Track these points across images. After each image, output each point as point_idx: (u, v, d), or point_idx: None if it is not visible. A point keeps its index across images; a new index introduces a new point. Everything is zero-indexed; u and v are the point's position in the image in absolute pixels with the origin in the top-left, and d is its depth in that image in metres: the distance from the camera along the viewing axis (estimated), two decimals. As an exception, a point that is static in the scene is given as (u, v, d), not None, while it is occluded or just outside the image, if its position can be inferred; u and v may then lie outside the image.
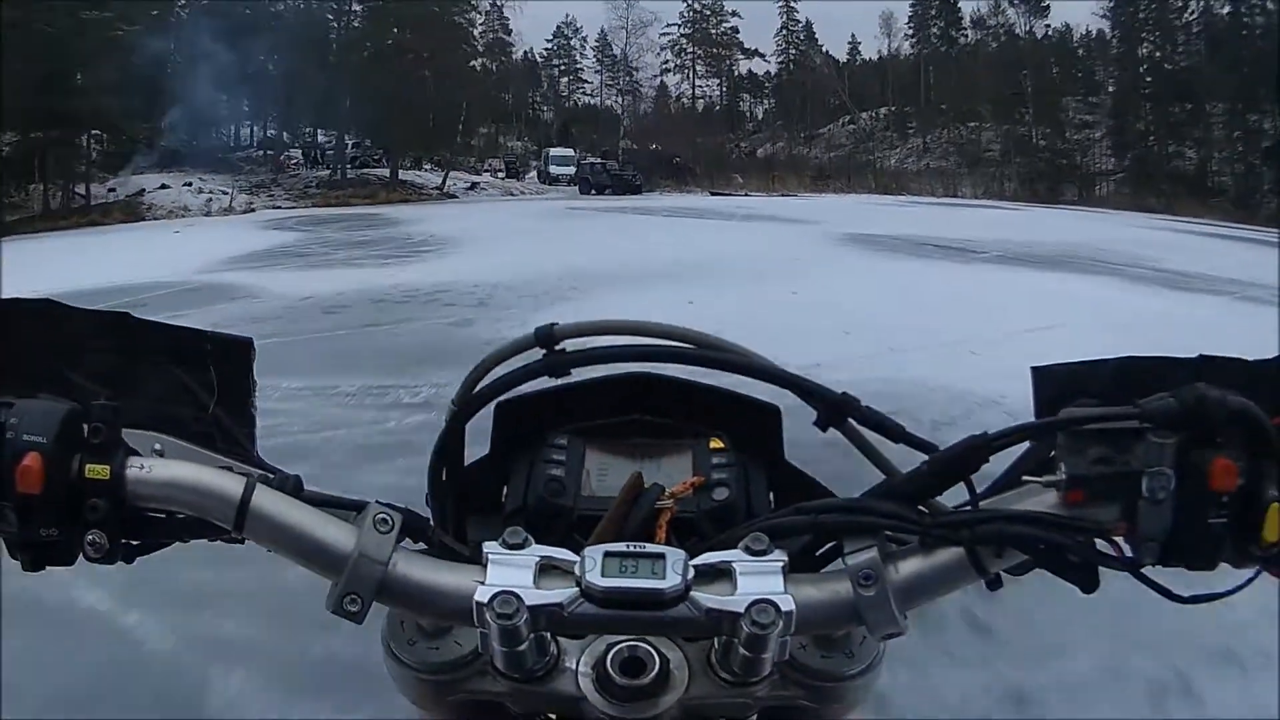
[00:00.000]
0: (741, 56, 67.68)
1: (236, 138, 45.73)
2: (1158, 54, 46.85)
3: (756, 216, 23.08)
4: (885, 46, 59.87)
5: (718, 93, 68.01)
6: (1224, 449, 0.44)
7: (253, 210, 30.38)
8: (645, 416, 0.66)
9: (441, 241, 16.37)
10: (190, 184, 32.32)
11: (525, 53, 63.26)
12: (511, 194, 41.38)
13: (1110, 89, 50.03)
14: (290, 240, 17.49)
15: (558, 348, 0.57)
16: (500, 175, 52.14)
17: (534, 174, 50.97)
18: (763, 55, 67.94)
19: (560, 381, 0.59)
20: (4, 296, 0.51)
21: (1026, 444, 0.51)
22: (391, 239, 17.15)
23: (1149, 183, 42.48)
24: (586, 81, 64.79)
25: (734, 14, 64.39)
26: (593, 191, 42.41)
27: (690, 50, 66.79)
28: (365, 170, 40.22)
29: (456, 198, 38.72)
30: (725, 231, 18.89)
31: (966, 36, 55.47)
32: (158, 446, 0.50)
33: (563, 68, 64.89)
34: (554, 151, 52.29)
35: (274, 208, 31.77)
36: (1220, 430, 0.44)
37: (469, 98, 39.82)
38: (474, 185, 42.06)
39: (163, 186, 31.96)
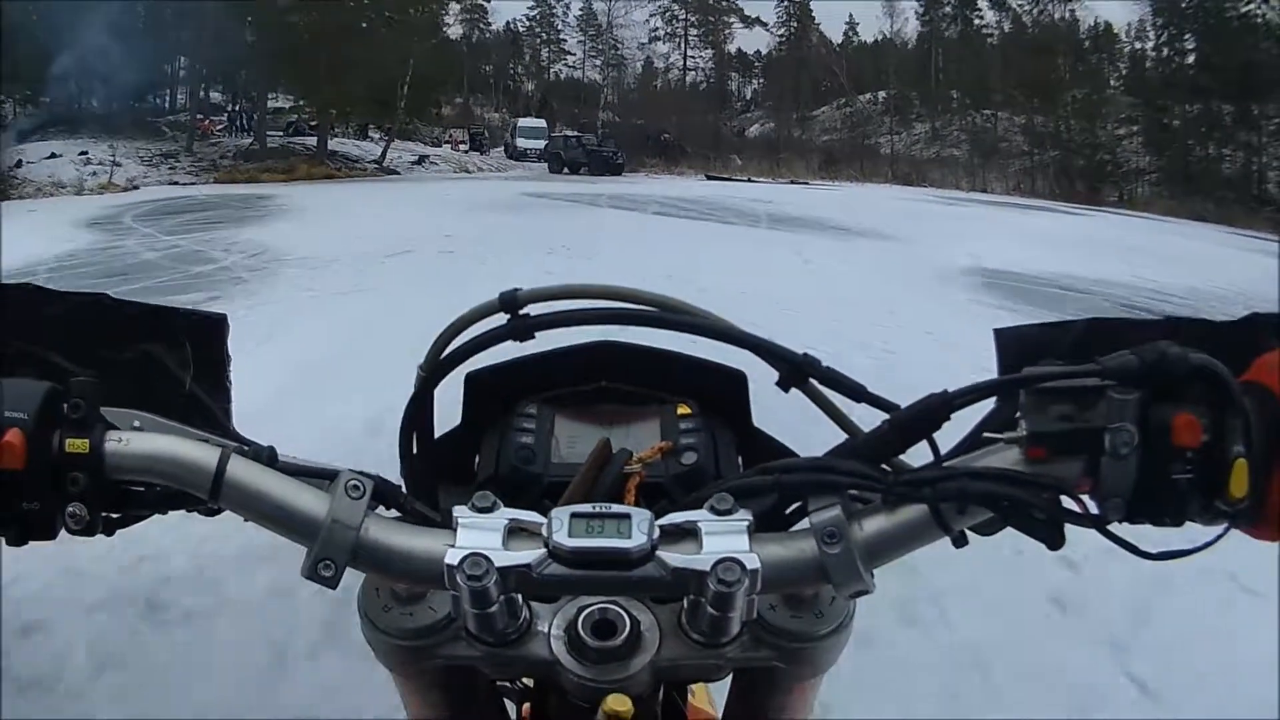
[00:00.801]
0: (740, 25, 60.89)
1: (172, 100, 39.28)
2: (1205, 47, 42.48)
3: (790, 220, 16.44)
4: (888, 27, 56.14)
5: (708, 67, 61.46)
6: (1187, 405, 0.44)
7: (135, 189, 23.82)
8: (614, 384, 0.67)
9: (292, 259, 9.63)
10: (86, 153, 26.20)
11: (508, 23, 59.53)
12: (467, 171, 34.61)
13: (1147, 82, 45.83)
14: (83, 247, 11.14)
15: (522, 312, 0.58)
16: (463, 147, 45.28)
17: (504, 148, 44.20)
18: (764, 24, 61.30)
19: (529, 351, 0.60)
20: None
21: (992, 405, 0.52)
22: (202, 255, 10.18)
23: (1188, 185, 39.03)
24: (569, 53, 60.49)
25: (734, -24, 57.95)
26: (565, 170, 35.71)
27: (683, 17, 59.86)
28: (299, 139, 33.26)
29: (397, 174, 31.88)
30: (764, 251, 11.56)
31: (981, 16, 51.71)
32: (136, 423, 0.50)
33: (543, 37, 60.35)
34: (522, 122, 45.29)
35: (170, 183, 25.53)
36: (1183, 386, 0.44)
37: (417, 54, 32.51)
38: (422, 159, 35.09)
39: (52, 155, 25.59)
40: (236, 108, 38.56)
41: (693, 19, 59.96)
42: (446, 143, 46.95)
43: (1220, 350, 0.45)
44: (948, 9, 52.80)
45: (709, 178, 37.23)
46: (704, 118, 51.91)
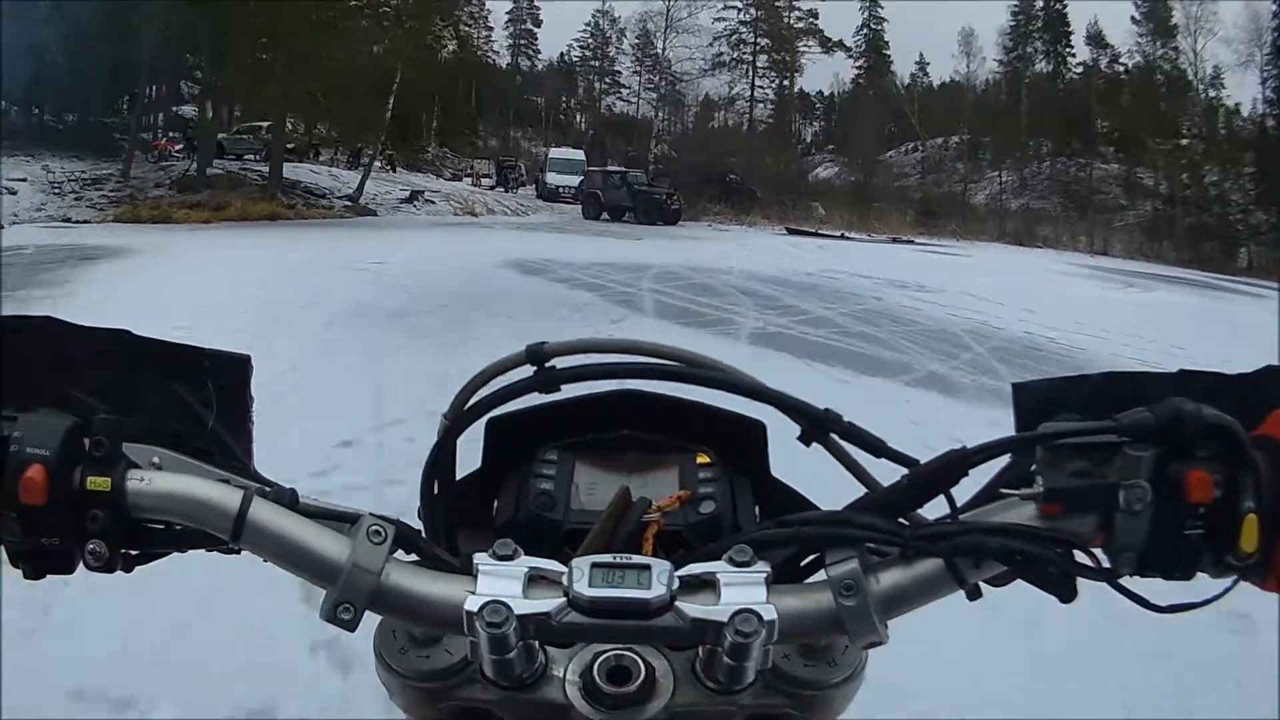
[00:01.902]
0: (817, 50, 52.41)
1: (151, 115, 31.89)
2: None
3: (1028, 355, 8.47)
4: (963, 66, 50.78)
5: (772, 99, 53.07)
6: (1201, 461, 0.45)
7: (-2, 226, 16.66)
8: (633, 432, 0.67)
9: None
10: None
11: (562, 54, 54.87)
12: (472, 214, 26.18)
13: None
14: None
15: (548, 365, 0.58)
16: (486, 182, 37.27)
17: (535, 185, 36.23)
18: (846, 49, 52.86)
19: (550, 398, 0.61)
20: (6, 314, 0.53)
21: (1007, 458, 0.53)
22: None
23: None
24: (623, 86, 54.41)
25: (814, -8, 49.97)
26: (603, 216, 27.15)
27: (753, 40, 51.59)
28: (256, 166, 25.43)
29: (373, 215, 23.63)
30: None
31: (1074, 54, 47.18)
32: (156, 460, 0.51)
33: (596, 67, 54.75)
34: (554, 153, 36.98)
35: (63, 219, 19.09)
36: (1197, 443, 0.45)
37: (405, 57, 24.25)
38: (415, 196, 26.77)
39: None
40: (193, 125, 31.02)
41: (763, 43, 51.75)
42: (468, 175, 39.16)
43: (1234, 403, 0.46)
44: (1038, 43, 47.63)
45: (791, 231, 28.37)
46: (775, 157, 43.19)
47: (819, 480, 0.64)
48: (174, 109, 31.20)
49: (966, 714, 2.28)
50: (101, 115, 27.84)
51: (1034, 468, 0.48)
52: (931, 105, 51.71)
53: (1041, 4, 47.65)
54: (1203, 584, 0.46)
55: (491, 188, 37.29)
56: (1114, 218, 40.49)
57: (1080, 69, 47.60)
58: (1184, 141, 41.17)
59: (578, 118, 55.85)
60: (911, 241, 28.96)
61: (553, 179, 34.41)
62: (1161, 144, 40.89)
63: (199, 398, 0.55)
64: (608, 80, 54.52)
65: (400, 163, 38.05)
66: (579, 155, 36.59)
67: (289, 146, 31.65)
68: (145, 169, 23.99)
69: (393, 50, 25.02)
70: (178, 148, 26.90)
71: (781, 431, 0.61)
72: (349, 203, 24.18)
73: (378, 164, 36.28)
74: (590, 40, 54.49)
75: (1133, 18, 44.77)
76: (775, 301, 10.46)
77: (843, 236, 28.19)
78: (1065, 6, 47.28)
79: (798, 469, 0.68)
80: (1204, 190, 39.36)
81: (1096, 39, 46.44)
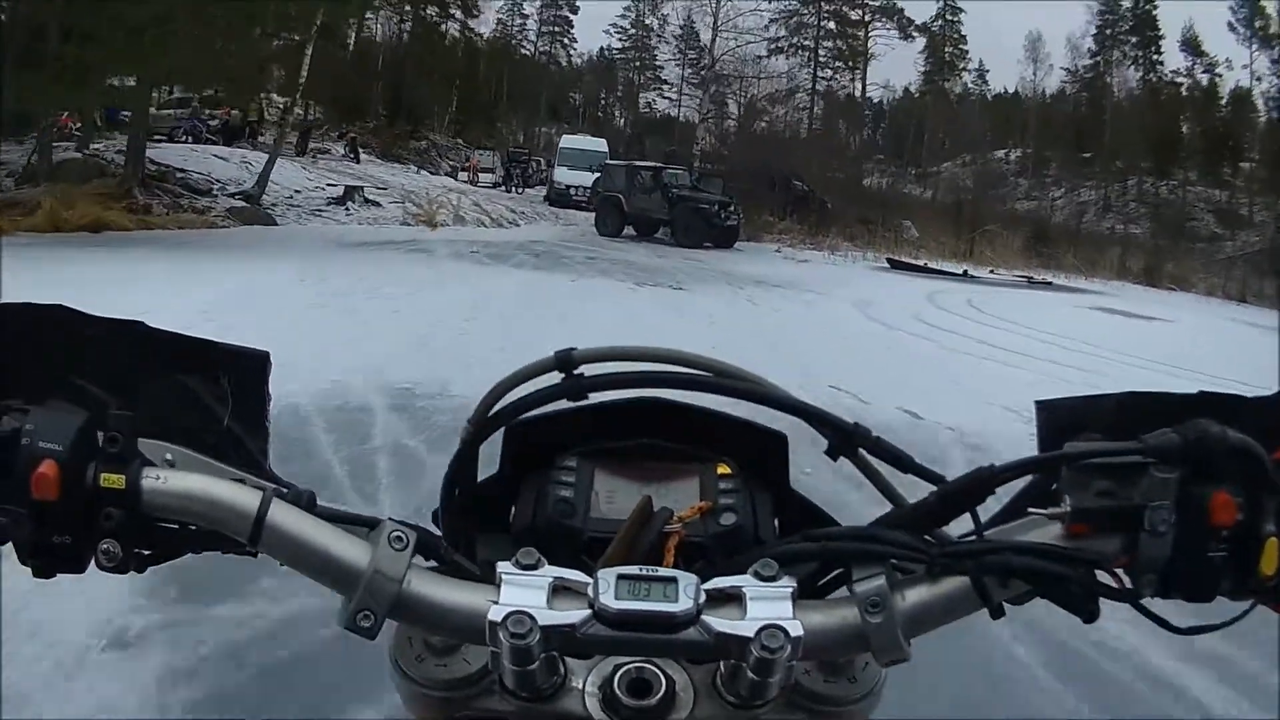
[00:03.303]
0: (895, 34, 43.80)
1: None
2: None
3: None
4: (1029, 73, 44.81)
5: (842, 90, 44.62)
6: (1224, 484, 0.45)
7: None
8: (654, 440, 0.66)
9: None
10: None
11: (602, 48, 49.18)
12: (431, 225, 17.91)
13: None
14: None
15: (575, 372, 0.58)
16: (487, 179, 29.71)
17: (547, 187, 28.47)
18: (930, 31, 44.38)
19: (572, 404, 0.60)
20: (12, 301, 0.52)
21: (1029, 476, 0.53)
22: None
23: None
24: (665, 82, 47.75)
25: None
26: (626, 231, 18.86)
27: (815, 21, 43.03)
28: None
29: (272, 224, 15.67)
30: None
31: (1162, 62, 41.22)
32: (169, 457, 0.49)
33: (635, 58, 48.14)
34: (567, 141, 28.68)
35: None
36: (1221, 465, 0.45)
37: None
38: (351, 193, 18.49)
39: None
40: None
41: (829, 25, 43.18)
42: (464, 169, 31.19)
43: (1254, 426, 0.46)
44: (1126, 47, 41.75)
45: (894, 264, 19.75)
46: (846, 161, 34.45)
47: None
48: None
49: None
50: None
51: (1055, 486, 0.49)
52: (990, 114, 45.81)
53: (1129, 3, 41.04)
54: (1219, 606, 0.47)
55: (495, 185, 29.34)
56: (1212, 248, 33.50)
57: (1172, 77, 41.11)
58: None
59: (617, 114, 49.90)
60: (1049, 283, 20.32)
61: (563, 176, 26.18)
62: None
63: (214, 393, 0.54)
64: (648, 74, 48.07)
65: (375, 150, 30.10)
66: (599, 144, 28.10)
67: (209, 122, 23.79)
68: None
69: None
70: (77, 126, 19.19)
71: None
72: (244, 202, 15.99)
73: (340, 150, 28.49)
74: (630, 28, 47.35)
75: (1230, 24, 38.10)
76: None
77: (965, 274, 19.56)
78: (1155, 8, 40.56)
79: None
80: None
81: (1191, 45, 40.02)
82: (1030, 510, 0.49)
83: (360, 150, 28.07)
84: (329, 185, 19.00)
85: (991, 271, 21.52)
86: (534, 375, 0.58)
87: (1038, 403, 0.55)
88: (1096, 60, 42.27)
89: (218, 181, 17.01)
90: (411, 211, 18.34)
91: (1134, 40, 41.23)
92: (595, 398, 0.59)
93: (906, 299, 12.87)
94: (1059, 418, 0.54)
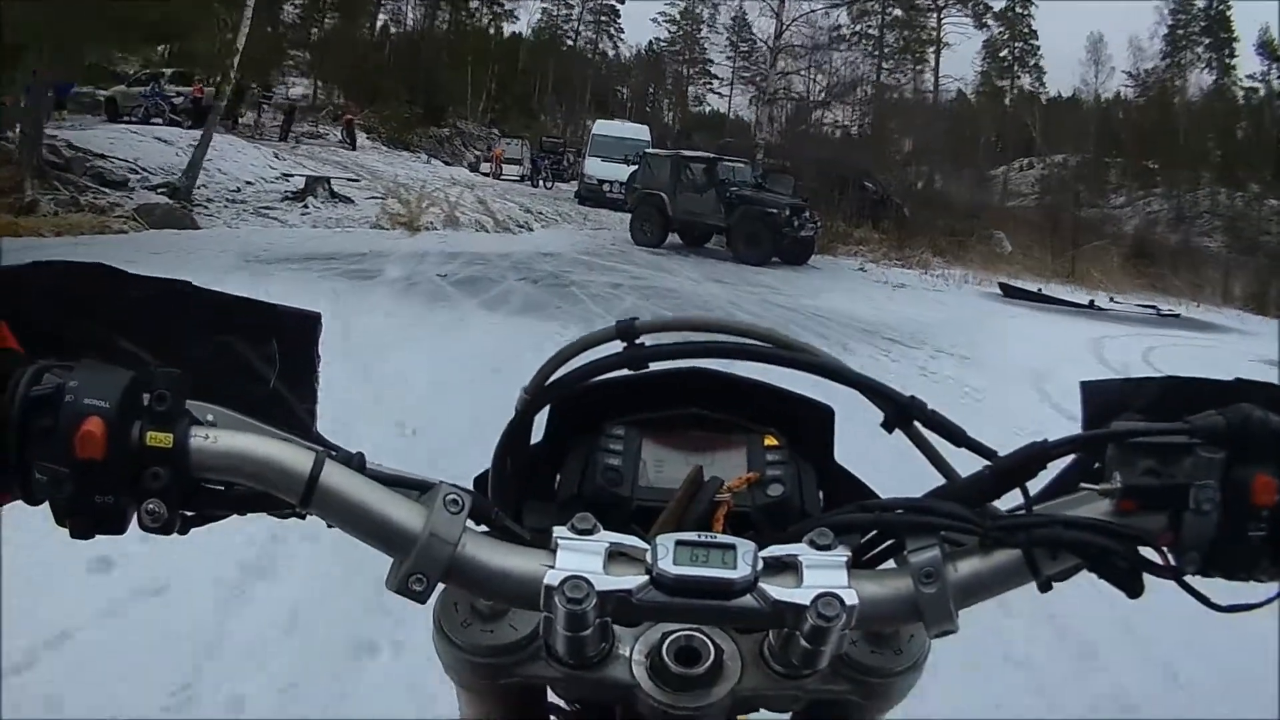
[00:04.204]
0: (969, 21, 39.25)
1: None
2: None
3: None
4: (1090, 75, 40.75)
5: (906, 80, 40.19)
6: (1267, 466, 0.46)
7: None
8: (702, 410, 0.66)
9: None
10: None
11: (650, 42, 46.98)
12: (411, 230, 13.76)
13: None
14: None
15: (637, 341, 0.59)
16: (513, 171, 26.32)
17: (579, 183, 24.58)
18: (1007, 19, 39.82)
19: (623, 372, 0.60)
20: (54, 259, 0.50)
21: (1074, 454, 0.54)
22: None
23: None
24: (715, 77, 45.53)
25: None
26: (671, 238, 14.82)
27: (879, 9, 38.51)
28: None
29: (191, 228, 11.66)
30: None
31: (1234, 67, 37.74)
32: (211, 418, 0.48)
33: (685, 56, 45.54)
34: (600, 128, 24.32)
35: None
36: (1263, 448, 0.46)
37: None
38: (312, 187, 14.52)
39: None
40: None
41: (895, 12, 38.58)
42: (487, 160, 27.60)
43: None
44: (1200, 49, 38.07)
45: (1008, 291, 15.19)
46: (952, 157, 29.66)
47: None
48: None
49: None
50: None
51: (1097, 465, 0.50)
52: (1047, 118, 42.41)
53: (1203, 3, 37.84)
54: (1249, 586, 0.48)
55: (522, 179, 25.49)
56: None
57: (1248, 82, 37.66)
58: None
59: (665, 108, 46.83)
60: (1176, 316, 15.61)
61: (595, 169, 21.99)
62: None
63: (261, 354, 0.53)
64: (697, 68, 45.56)
65: (382, 136, 26.35)
66: (638, 132, 23.96)
67: (172, 100, 20.18)
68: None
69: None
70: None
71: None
72: (168, 197, 12.16)
73: (336, 136, 24.69)
74: (679, 18, 44.39)
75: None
76: None
77: (1092, 305, 14.99)
78: (1229, 8, 37.49)
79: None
80: None
81: (1267, 47, 36.68)
82: (1083, 485, 0.50)
83: (361, 135, 24.37)
84: (295, 176, 15.08)
85: (1112, 300, 16.81)
86: (595, 344, 0.59)
87: (1083, 383, 0.56)
88: (1167, 61, 38.82)
89: (142, 171, 13.22)
90: (391, 210, 14.30)
91: (1206, 42, 37.91)
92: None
93: (1076, 355, 8.55)
94: (1103, 398, 0.55)
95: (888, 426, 0.56)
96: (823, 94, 34.27)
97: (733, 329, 0.59)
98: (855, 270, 15.69)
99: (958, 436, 0.54)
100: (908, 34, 39.03)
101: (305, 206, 13.62)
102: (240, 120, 22.21)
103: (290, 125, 22.43)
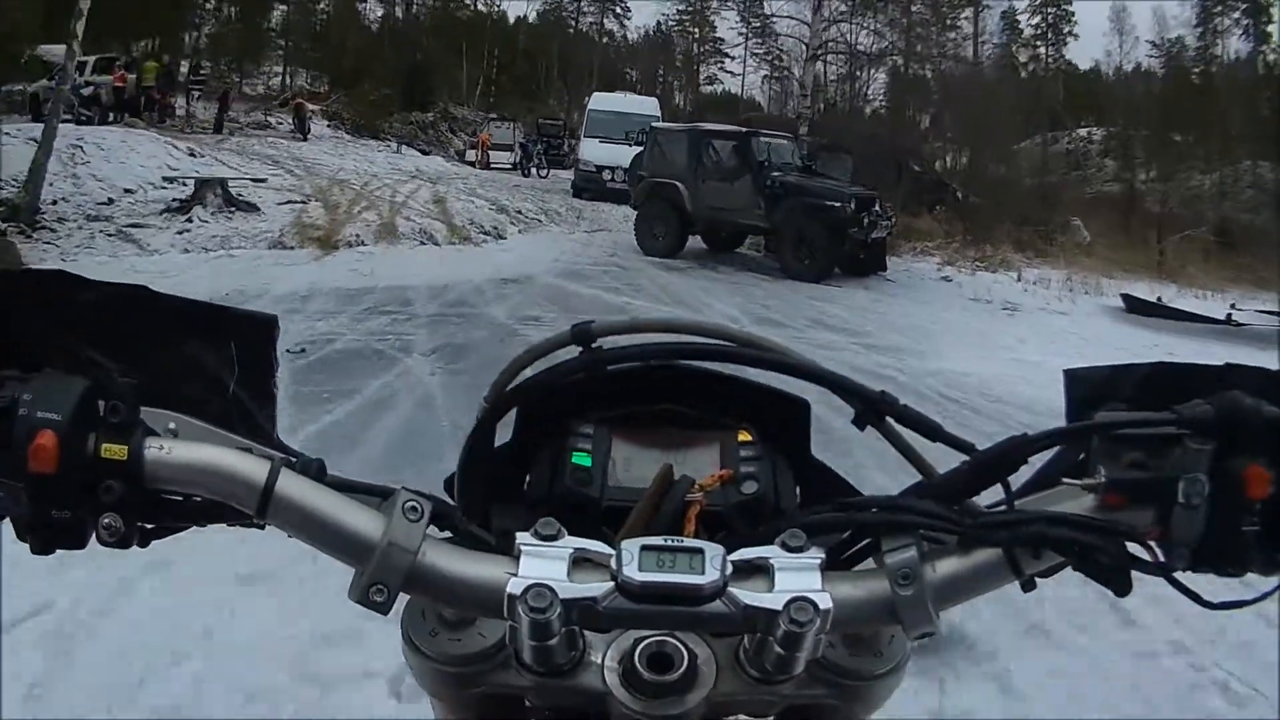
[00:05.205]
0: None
1: None
2: None
3: None
4: (1116, 46, 38.73)
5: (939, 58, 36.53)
6: (1258, 457, 0.44)
7: None
8: (674, 407, 0.65)
9: None
10: None
11: (659, 23, 46.04)
12: (327, 248, 9.80)
13: None
14: None
15: (594, 345, 0.58)
16: (507, 159, 23.58)
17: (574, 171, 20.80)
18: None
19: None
20: (12, 268, 0.52)
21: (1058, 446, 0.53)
22: None
23: None
24: (727, 55, 44.33)
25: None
26: (692, 241, 11.17)
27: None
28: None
29: (17, 266, 7.81)
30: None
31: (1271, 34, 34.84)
32: (172, 426, 0.48)
33: (695, 34, 44.58)
34: (598, 103, 20.18)
35: None
36: (1254, 438, 0.45)
37: None
38: (200, 194, 10.73)
39: None
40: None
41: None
42: (472, 147, 24.53)
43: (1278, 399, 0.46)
44: (1236, 14, 35.79)
45: (1131, 306, 11.11)
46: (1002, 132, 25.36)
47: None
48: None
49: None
50: None
51: (1081, 457, 0.49)
52: (1066, 89, 40.60)
53: None
54: (1235, 581, 0.46)
55: (513, 167, 22.67)
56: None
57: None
58: None
59: (675, 91, 45.00)
60: None
61: (592, 153, 18.08)
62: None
63: (220, 360, 0.52)
64: (707, 45, 44.45)
65: (346, 124, 22.82)
66: (645, 105, 20.07)
67: (80, 91, 16.62)
68: None
69: None
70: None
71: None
72: (5, 219, 8.65)
73: (287, 125, 21.07)
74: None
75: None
76: None
77: (1229, 320, 10.87)
78: None
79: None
80: None
81: None
82: (1064, 480, 0.48)
83: (321, 123, 20.82)
84: (191, 179, 11.36)
85: (1234, 308, 12.57)
86: (550, 350, 0.59)
87: (1066, 372, 0.54)
88: (1200, 29, 36.32)
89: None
90: (308, 220, 10.55)
91: (1242, 8, 35.49)
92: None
93: None
94: (1087, 387, 0.53)
95: (859, 423, 0.55)
96: (885, 47, 29.65)
97: (694, 329, 0.58)
98: (939, 280, 11.74)
99: (934, 431, 0.52)
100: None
101: (189, 220, 9.96)
102: (174, 110, 18.80)
103: (224, 113, 19.09)
